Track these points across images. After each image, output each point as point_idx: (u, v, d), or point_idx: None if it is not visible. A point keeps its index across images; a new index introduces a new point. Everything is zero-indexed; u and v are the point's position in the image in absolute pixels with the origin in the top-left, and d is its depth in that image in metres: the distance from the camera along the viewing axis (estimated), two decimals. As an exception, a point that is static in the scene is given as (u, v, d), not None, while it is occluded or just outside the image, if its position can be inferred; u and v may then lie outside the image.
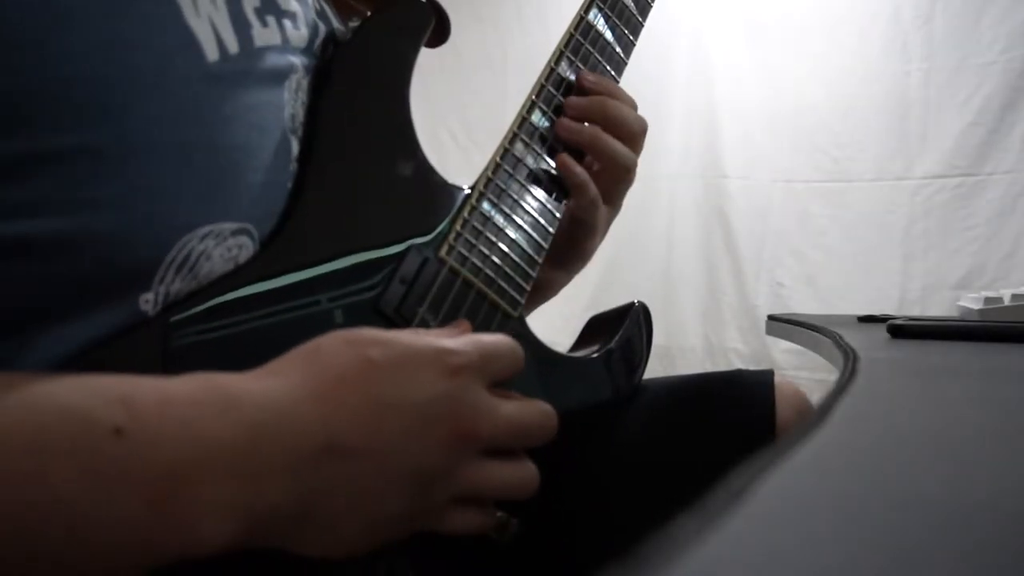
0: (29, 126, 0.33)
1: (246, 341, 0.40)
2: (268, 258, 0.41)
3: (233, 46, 0.39)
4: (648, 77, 2.25)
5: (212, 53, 0.38)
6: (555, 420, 0.39)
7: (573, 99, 0.58)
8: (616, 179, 0.60)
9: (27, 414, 0.27)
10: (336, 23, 0.52)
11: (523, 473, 0.39)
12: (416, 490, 0.34)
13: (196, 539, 0.28)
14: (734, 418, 0.62)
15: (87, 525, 0.27)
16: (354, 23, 0.53)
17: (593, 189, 0.58)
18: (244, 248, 0.40)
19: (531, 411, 0.39)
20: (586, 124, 0.58)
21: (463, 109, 2.43)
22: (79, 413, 0.28)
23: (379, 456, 0.33)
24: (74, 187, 0.34)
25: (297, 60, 0.45)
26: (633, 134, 0.59)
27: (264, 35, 0.42)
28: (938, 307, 2.04)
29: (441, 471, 0.35)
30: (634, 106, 0.61)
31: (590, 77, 0.59)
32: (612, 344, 0.61)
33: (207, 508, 0.29)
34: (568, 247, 0.62)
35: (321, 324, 0.42)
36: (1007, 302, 0.95)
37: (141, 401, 0.29)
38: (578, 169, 0.57)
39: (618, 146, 0.58)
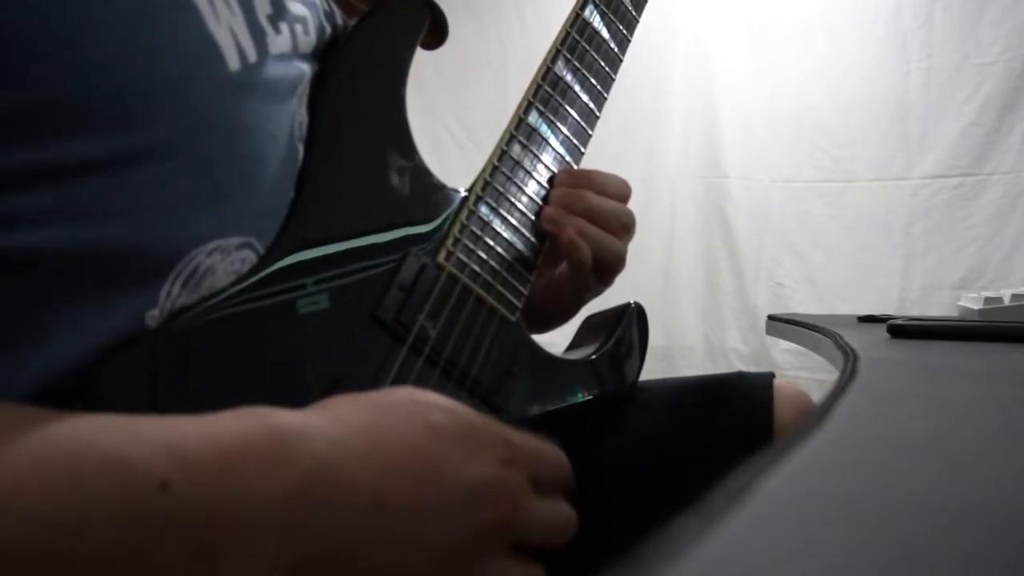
0: (47, 137, 0.32)
1: (238, 360, 0.39)
2: (263, 273, 0.40)
3: (252, 55, 0.38)
4: (648, 78, 2.26)
5: (233, 62, 0.37)
6: (575, 527, 0.39)
7: (553, 191, 0.56)
8: (603, 268, 0.58)
9: (70, 461, 0.27)
10: (341, 21, 0.50)
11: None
12: (440, 561, 0.34)
13: None
14: (732, 421, 0.61)
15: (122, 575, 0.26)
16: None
17: (586, 249, 0.55)
18: (247, 263, 0.39)
19: (560, 514, 0.39)
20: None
21: (463, 109, 2.43)
22: (124, 464, 0.27)
23: (418, 519, 0.33)
24: (88, 197, 0.33)
25: (306, 66, 0.44)
26: (614, 228, 0.56)
27: (278, 43, 0.41)
28: (938, 307, 2.04)
29: (468, 554, 0.34)
30: (623, 195, 0.58)
31: (563, 175, 0.56)
32: (607, 346, 0.60)
33: (245, 564, 0.28)
34: (548, 310, 0.61)
35: (316, 339, 0.42)
36: (1007, 302, 0.95)
37: (190, 452, 0.28)
38: (566, 233, 0.54)
39: (602, 237, 0.56)
